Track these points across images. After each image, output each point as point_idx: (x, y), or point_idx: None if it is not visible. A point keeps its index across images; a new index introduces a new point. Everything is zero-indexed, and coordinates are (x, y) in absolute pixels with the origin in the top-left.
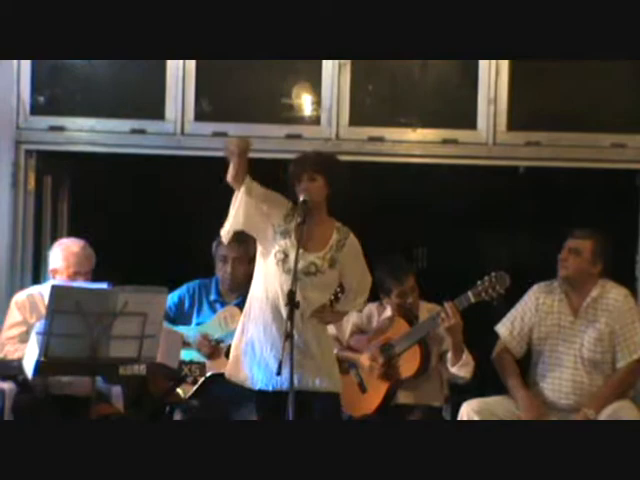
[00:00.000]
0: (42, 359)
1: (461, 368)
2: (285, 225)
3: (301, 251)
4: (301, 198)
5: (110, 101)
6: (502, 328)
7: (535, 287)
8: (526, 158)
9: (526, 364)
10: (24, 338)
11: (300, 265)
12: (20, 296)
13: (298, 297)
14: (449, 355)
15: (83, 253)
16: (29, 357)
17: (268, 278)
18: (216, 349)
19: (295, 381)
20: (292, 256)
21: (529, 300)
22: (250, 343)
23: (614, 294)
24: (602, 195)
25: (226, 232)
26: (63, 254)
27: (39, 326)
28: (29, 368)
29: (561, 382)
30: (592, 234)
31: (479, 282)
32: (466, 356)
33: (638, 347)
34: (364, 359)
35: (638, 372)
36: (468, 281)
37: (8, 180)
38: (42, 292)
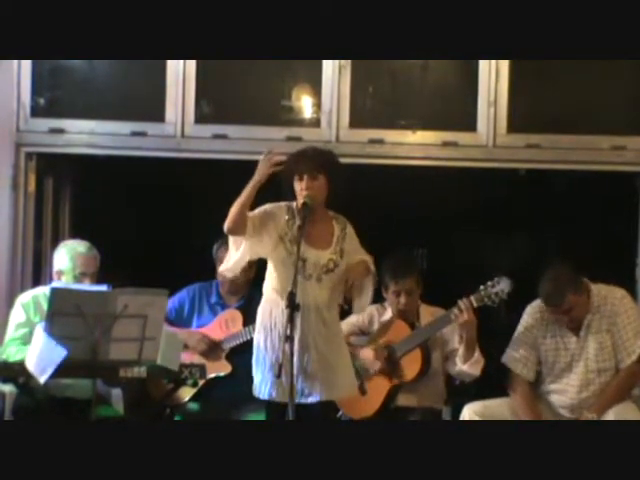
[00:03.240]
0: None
1: (472, 365)
2: (291, 231)
3: (315, 251)
4: (301, 200)
5: (110, 103)
6: (515, 363)
7: (529, 309)
8: (526, 160)
9: None
10: (27, 339)
11: (320, 265)
12: (25, 296)
13: (319, 299)
14: (461, 352)
15: (89, 254)
16: (38, 358)
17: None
18: (214, 349)
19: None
20: (310, 259)
21: (528, 325)
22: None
23: (611, 298)
24: (602, 197)
25: (229, 270)
26: (69, 255)
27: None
28: (43, 371)
29: (566, 399)
30: (566, 289)
31: (482, 287)
32: (477, 354)
33: (637, 347)
34: (367, 352)
35: (638, 373)
36: (468, 283)
37: (8, 182)
38: (47, 292)
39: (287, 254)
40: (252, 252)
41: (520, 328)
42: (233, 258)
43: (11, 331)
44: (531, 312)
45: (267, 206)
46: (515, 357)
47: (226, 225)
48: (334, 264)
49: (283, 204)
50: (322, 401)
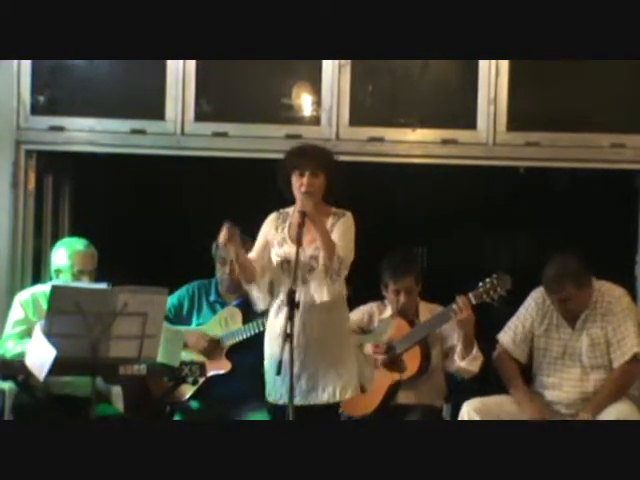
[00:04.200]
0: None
1: (471, 362)
2: (279, 234)
3: (298, 253)
4: (299, 205)
5: (110, 101)
6: (504, 336)
7: (533, 294)
8: (526, 158)
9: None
10: (24, 336)
11: (302, 264)
12: (24, 294)
13: (313, 299)
14: (459, 349)
15: (87, 251)
16: (35, 357)
17: (280, 288)
18: (214, 347)
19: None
20: (293, 259)
21: (529, 307)
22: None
23: (608, 296)
24: (602, 195)
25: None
26: (68, 253)
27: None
28: (41, 369)
29: (561, 394)
30: (568, 279)
31: (480, 284)
32: (476, 350)
33: (631, 347)
34: (367, 348)
35: (632, 372)
36: (468, 281)
37: (8, 180)
38: (46, 291)
39: (275, 257)
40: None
41: (521, 310)
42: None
43: (9, 328)
44: (535, 296)
45: (261, 233)
46: (510, 336)
47: (244, 284)
48: (317, 262)
49: (273, 215)
50: (326, 404)
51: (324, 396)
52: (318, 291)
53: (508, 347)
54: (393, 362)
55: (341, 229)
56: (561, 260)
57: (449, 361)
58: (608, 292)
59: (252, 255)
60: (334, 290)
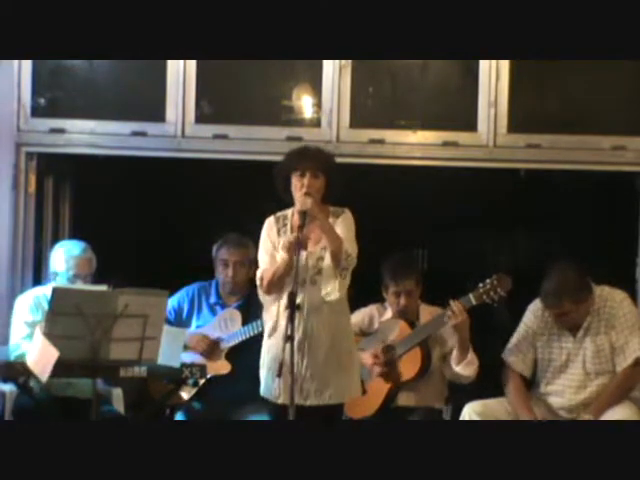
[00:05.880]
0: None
1: (466, 367)
2: (282, 238)
3: (304, 253)
4: (299, 200)
5: (111, 103)
6: (511, 357)
7: (532, 306)
8: (526, 160)
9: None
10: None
11: (310, 266)
12: (27, 297)
13: (317, 301)
14: (454, 353)
15: (84, 256)
16: (37, 358)
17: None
18: (214, 348)
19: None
20: (301, 262)
21: (528, 321)
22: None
23: (610, 301)
24: (602, 197)
25: None
26: (64, 257)
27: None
28: (43, 370)
29: (563, 400)
30: (565, 295)
31: (481, 284)
32: (471, 355)
33: (634, 351)
34: (366, 357)
35: (635, 376)
36: (469, 283)
37: (9, 182)
38: (46, 293)
39: (281, 261)
40: None
41: (521, 325)
42: None
43: (21, 331)
44: (533, 309)
45: (266, 241)
46: (513, 353)
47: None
48: (323, 262)
49: (271, 219)
50: (330, 404)
51: (331, 397)
52: (329, 290)
53: (514, 366)
54: (389, 373)
55: (343, 226)
56: (559, 274)
57: (446, 367)
58: (610, 297)
59: (268, 267)
60: (344, 286)
